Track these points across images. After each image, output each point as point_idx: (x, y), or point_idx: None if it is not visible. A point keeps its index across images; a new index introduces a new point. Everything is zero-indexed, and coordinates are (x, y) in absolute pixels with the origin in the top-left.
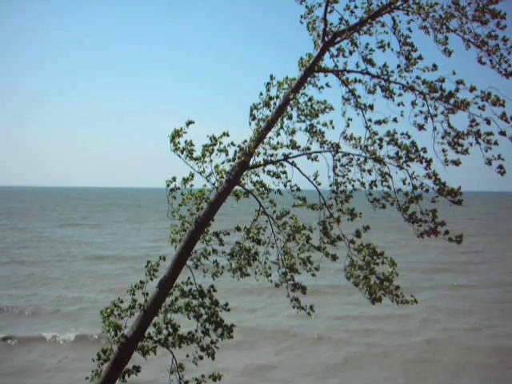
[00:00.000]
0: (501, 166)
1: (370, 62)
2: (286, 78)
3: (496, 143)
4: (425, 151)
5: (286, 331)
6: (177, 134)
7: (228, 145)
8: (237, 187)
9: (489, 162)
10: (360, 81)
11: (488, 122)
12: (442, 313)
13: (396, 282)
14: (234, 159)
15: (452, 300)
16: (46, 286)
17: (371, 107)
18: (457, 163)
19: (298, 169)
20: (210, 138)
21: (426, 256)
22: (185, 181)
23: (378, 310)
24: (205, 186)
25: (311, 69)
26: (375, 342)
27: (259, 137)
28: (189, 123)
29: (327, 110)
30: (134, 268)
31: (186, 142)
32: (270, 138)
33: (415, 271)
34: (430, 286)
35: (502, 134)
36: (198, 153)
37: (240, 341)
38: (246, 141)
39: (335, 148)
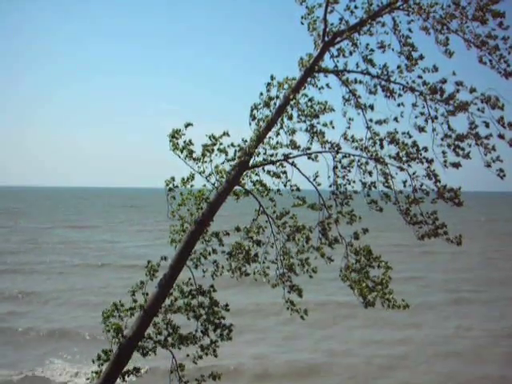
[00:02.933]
0: (501, 170)
1: (371, 63)
2: (286, 78)
3: (494, 149)
4: (426, 150)
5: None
6: (176, 133)
7: (228, 146)
8: (237, 187)
9: (488, 165)
10: (360, 81)
11: (487, 125)
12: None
13: (390, 286)
14: (233, 159)
15: (490, 321)
16: (57, 302)
17: (371, 107)
18: (457, 165)
19: (298, 169)
20: (210, 138)
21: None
22: (184, 181)
23: (422, 330)
24: (205, 186)
25: (311, 69)
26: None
27: (259, 137)
28: (187, 125)
29: (328, 110)
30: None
31: (185, 141)
32: (269, 138)
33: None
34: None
35: (501, 137)
36: (197, 153)
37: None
38: (246, 141)
39: (336, 148)
